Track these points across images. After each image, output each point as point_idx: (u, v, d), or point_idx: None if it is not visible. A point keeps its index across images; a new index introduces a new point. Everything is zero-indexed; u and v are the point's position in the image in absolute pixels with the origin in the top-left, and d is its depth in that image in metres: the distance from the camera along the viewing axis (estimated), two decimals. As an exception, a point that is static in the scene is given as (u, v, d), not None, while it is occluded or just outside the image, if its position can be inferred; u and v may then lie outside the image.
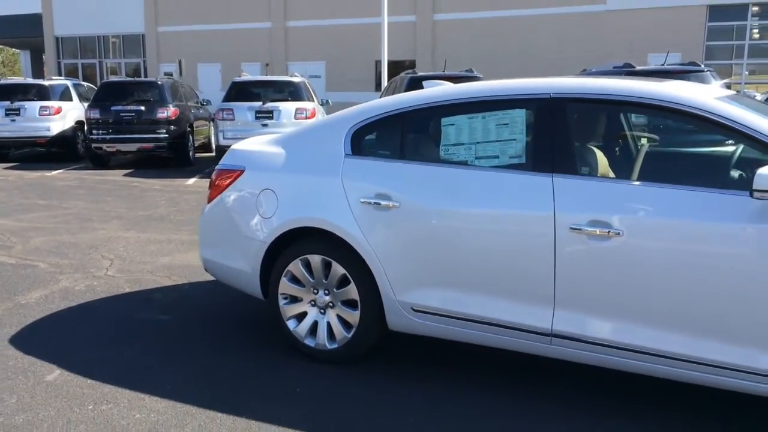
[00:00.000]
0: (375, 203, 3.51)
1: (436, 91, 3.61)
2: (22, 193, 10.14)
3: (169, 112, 13.39)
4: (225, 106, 12.27)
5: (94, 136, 13.30)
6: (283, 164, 3.88)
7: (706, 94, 3.08)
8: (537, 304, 3.17)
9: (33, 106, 14.50)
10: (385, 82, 18.63)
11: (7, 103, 14.43)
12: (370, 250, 3.53)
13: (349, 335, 3.70)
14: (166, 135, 13.32)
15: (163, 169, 13.06)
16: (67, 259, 6.13)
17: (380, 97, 14.77)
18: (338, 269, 3.66)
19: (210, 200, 4.18)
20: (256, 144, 4.18)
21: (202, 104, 16.06)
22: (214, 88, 30.29)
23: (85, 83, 17.29)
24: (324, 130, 3.88)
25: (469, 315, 3.35)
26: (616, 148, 3.69)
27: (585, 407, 3.24)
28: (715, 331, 2.82)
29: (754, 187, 2.63)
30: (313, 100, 12.80)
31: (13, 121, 14.44)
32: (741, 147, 3.35)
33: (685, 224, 2.84)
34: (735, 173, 3.25)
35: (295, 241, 3.80)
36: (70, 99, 15.35)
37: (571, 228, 3.03)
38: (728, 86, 21.97)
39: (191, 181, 11.57)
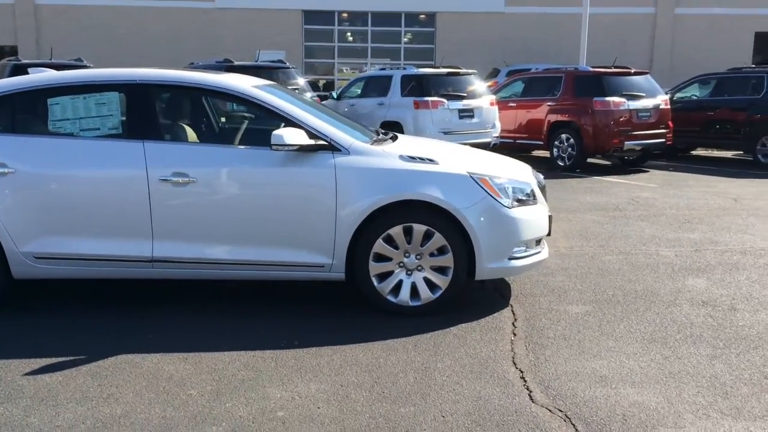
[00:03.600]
0: (-11, 172, 4.17)
1: (43, 76, 4.42)
2: None
3: None
4: None
5: None
6: None
7: (247, 83, 4.53)
8: (140, 239, 4.26)
9: None
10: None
11: None
12: (-9, 210, 4.17)
13: (-24, 287, 4.28)
14: None
15: None
16: None
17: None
18: (-40, 231, 4.20)
19: None
20: None
21: None
22: None
23: None
24: (-65, 109, 4.33)
25: (88, 255, 4.26)
26: (189, 121, 4.97)
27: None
28: (263, 240, 4.27)
29: (272, 143, 4.13)
30: None
31: None
32: (272, 121, 4.90)
33: (234, 170, 4.24)
34: (263, 135, 4.77)
35: None
36: None
37: (161, 179, 4.19)
38: (316, 82, 25.39)
39: None
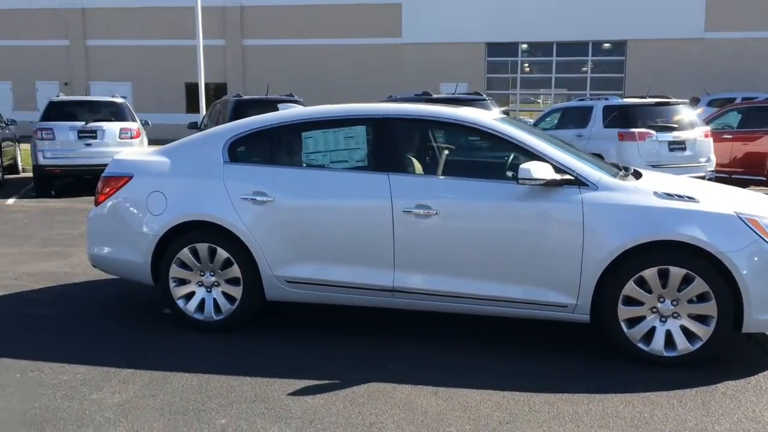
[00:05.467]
0: (253, 199, 4.49)
1: (296, 111, 4.71)
2: None
3: (-25, 131, 12.86)
4: (44, 126, 12.12)
5: None
6: (169, 171, 4.70)
7: (488, 116, 4.51)
8: (383, 269, 4.35)
9: None
10: (202, 104, 19.12)
11: None
12: (250, 236, 4.48)
13: (233, 307, 4.61)
14: (-27, 156, 12.77)
15: (-29, 191, 12.50)
16: None
17: (202, 119, 15.34)
18: (223, 253, 4.56)
19: (98, 203, 4.85)
20: (140, 154, 4.94)
21: (7, 124, 15.41)
22: (4, 108, 28.24)
23: None
24: (203, 142, 4.79)
25: (333, 281, 4.44)
26: (429, 153, 5.04)
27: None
28: (504, 276, 4.19)
29: (519, 177, 4.05)
30: (135, 121, 13.07)
31: None
32: (511, 153, 4.82)
33: (476, 203, 4.20)
34: (507, 170, 4.70)
35: (182, 234, 4.63)
36: None
37: (404, 211, 4.27)
38: (506, 113, 25.15)
39: (11, 201, 11.34)
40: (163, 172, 4.71)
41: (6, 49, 29.04)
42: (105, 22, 28.59)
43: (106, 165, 12.23)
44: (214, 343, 4.41)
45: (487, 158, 4.97)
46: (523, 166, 4.05)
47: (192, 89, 28.72)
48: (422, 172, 4.58)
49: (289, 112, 4.79)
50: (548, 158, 4.20)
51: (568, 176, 4.13)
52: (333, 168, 4.52)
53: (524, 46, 27.09)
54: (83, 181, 13.86)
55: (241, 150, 4.71)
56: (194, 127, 15.21)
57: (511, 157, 4.55)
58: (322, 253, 4.44)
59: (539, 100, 27.55)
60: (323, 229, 4.41)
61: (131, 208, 4.71)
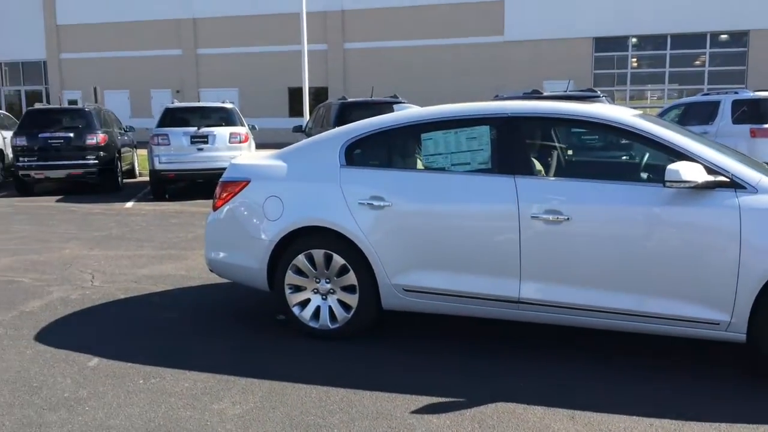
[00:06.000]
0: (370, 204, 4.32)
1: (414, 112, 4.49)
2: (-40, 220, 10.12)
3: (98, 138, 13.57)
4: (160, 132, 12.62)
5: (21, 163, 13.26)
6: (286, 175, 4.61)
7: (626, 113, 4.12)
8: (507, 278, 4.06)
9: (-50, 134, 14.19)
10: (306, 108, 19.41)
11: None
12: (368, 242, 4.31)
13: (349, 315, 4.46)
14: (96, 161, 13.47)
15: (92, 195, 13.19)
16: (47, 274, 6.50)
17: (307, 123, 15.52)
18: (339, 260, 4.41)
19: (216, 208, 4.83)
20: (256, 159, 4.89)
21: (126, 131, 16.22)
22: (123, 115, 29.96)
23: (1, 111, 16.99)
24: (319, 146, 4.66)
25: (453, 291, 4.19)
26: (558, 154, 4.69)
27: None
28: (645, 288, 3.80)
29: (666, 179, 3.64)
30: (244, 125, 13.37)
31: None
32: (649, 151, 4.40)
33: (614, 208, 3.83)
34: (645, 171, 4.29)
35: (299, 239, 4.52)
36: (-12, 127, 15.13)
37: (532, 216, 3.96)
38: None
39: (129, 204, 11.85)
40: (280, 177, 4.63)
41: (125, 59, 30.80)
42: (214, 32, 29.74)
43: (216, 169, 12.79)
44: (330, 353, 4.27)
45: (620, 158, 4.57)
46: (671, 166, 3.64)
47: (294, 93, 29.41)
48: (552, 175, 4.24)
49: (407, 113, 4.58)
50: (699, 158, 3.77)
51: (722, 178, 3.68)
52: (454, 171, 4.27)
53: (634, 39, 25.81)
54: (195, 185, 14.35)
55: (358, 153, 4.55)
56: (299, 130, 15.43)
57: (647, 156, 4.13)
58: (442, 261, 4.20)
59: (653, 96, 26.14)
60: (443, 236, 4.17)
61: (248, 213, 4.66)
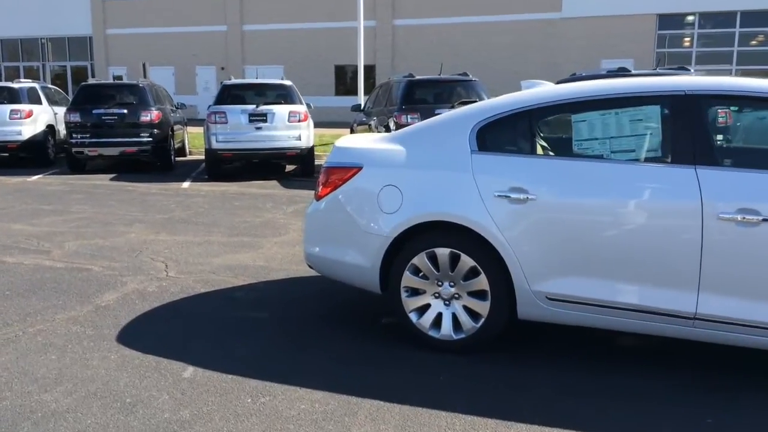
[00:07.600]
0: (509, 197, 3.65)
1: (566, 88, 3.79)
2: (17, 199, 9.75)
3: (152, 115, 13.12)
4: (217, 110, 12.07)
5: (75, 140, 12.88)
6: (405, 161, 3.97)
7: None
8: (681, 290, 3.38)
9: (3, 110, 13.89)
10: (361, 87, 18.73)
11: (-25, 106, 13.79)
12: (505, 241, 3.66)
13: (478, 325, 3.82)
14: (150, 139, 13.03)
15: (146, 174, 12.76)
16: (117, 262, 6.00)
17: (365, 102, 14.82)
18: (467, 261, 3.77)
19: (319, 198, 4.23)
20: (368, 142, 4.25)
21: (177, 107, 15.76)
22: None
23: (52, 86, 16.68)
24: (444, 128, 4.00)
25: (610, 302, 3.53)
26: (749, 140, 3.95)
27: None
28: None
29: None
30: (302, 104, 12.75)
31: (-18, 124, 13.80)
32: None
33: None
34: None
35: (419, 235, 3.89)
36: (39, 102, 14.77)
37: (720, 217, 3.25)
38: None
39: (186, 184, 11.37)
40: (398, 163, 3.99)
41: (170, 35, 30.41)
42: (260, 7, 29.12)
43: (275, 149, 12.20)
44: (460, 370, 3.65)
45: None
46: None
47: (340, 72, 28.69)
48: (745, 166, 3.48)
49: (555, 89, 3.87)
50: None
51: None
52: (614, 159, 3.58)
53: (701, 16, 24.47)
54: (250, 164, 13.84)
55: (492, 137, 3.88)
56: (357, 109, 14.77)
57: None
58: (597, 266, 3.53)
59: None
60: (600, 236, 3.50)
61: (359, 205, 4.04)
